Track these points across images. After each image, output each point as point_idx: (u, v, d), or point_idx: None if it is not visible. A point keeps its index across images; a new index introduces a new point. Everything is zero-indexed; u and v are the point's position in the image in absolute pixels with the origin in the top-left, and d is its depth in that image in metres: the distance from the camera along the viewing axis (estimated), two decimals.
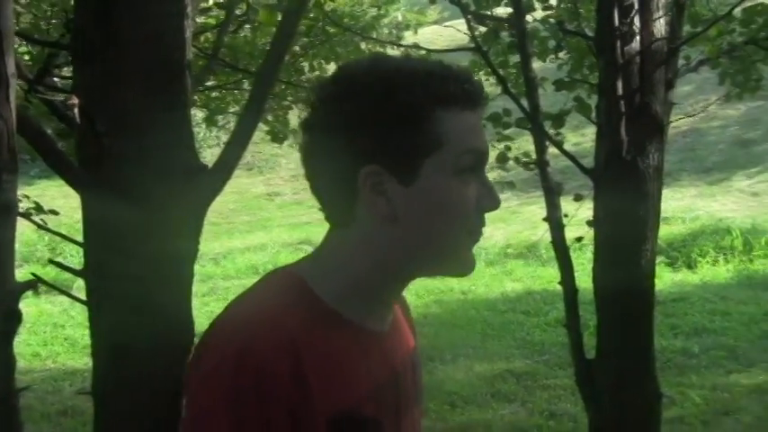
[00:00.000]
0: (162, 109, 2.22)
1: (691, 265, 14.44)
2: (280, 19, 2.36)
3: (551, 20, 5.93)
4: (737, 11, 5.03)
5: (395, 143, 1.37)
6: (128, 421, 2.26)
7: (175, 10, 2.24)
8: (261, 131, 9.28)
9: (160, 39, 2.22)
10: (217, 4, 5.24)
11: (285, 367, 1.29)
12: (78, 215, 2.46)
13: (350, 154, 1.38)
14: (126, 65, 2.18)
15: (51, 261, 2.61)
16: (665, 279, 13.09)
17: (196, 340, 2.55)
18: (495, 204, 1.44)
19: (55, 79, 4.46)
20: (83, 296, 2.49)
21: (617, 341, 4.20)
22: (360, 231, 1.42)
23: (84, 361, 10.15)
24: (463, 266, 1.47)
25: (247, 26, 6.96)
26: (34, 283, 2.57)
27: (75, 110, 2.13)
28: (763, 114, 23.85)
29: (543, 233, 4.56)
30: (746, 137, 23.98)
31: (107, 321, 2.28)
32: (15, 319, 2.28)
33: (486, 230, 1.47)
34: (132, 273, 2.19)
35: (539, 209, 12.92)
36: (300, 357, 1.31)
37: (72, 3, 5.05)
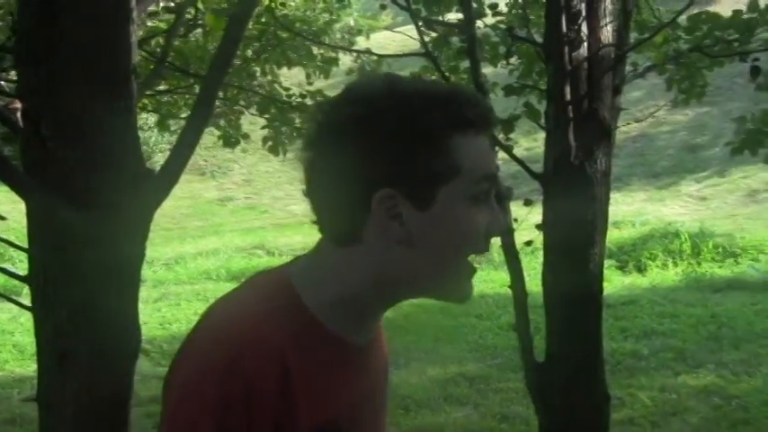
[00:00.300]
0: (107, 113, 2.19)
1: (640, 269, 14.57)
2: (227, 24, 2.35)
3: (501, 26, 5.97)
4: (682, 18, 5.08)
5: (413, 169, 1.36)
6: (72, 428, 2.22)
7: (120, 14, 2.21)
8: (213, 136, 9.25)
9: (105, 43, 2.20)
10: (166, 9, 5.20)
11: (273, 380, 1.29)
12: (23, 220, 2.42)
13: (364, 177, 1.36)
14: (70, 69, 2.15)
15: None
16: (616, 282, 13.20)
17: (148, 346, 2.53)
18: (503, 230, 1.50)
19: (2, 83, 4.40)
20: (28, 303, 2.46)
21: (566, 344, 4.24)
22: (365, 251, 1.39)
23: (33, 368, 9.91)
24: (462, 293, 1.46)
25: (198, 30, 6.93)
26: None
27: (18, 114, 2.10)
28: (711, 120, 24.13)
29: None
30: (694, 142, 24.26)
31: (52, 327, 2.24)
32: None
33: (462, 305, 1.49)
34: (77, 278, 2.17)
35: None
36: (288, 371, 1.30)
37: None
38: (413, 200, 1.36)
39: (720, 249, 15.10)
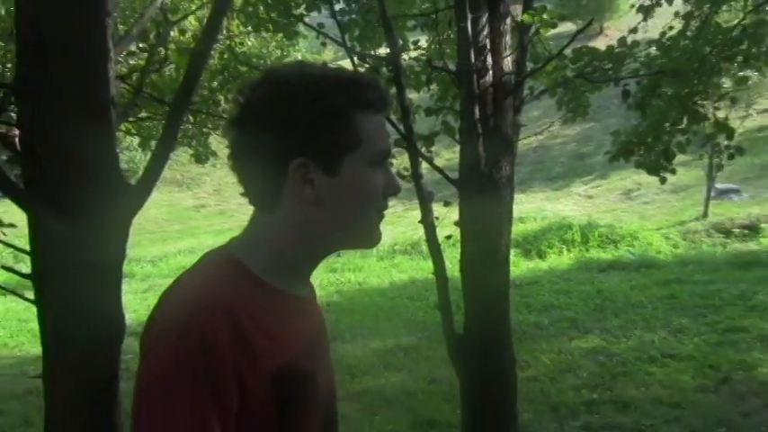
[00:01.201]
0: (91, 137, 2.14)
1: (541, 255, 14.71)
2: (189, 59, 2.30)
3: (422, 58, 5.97)
4: (568, 51, 5.12)
5: (322, 140, 1.35)
6: (72, 399, 2.17)
7: (101, 54, 2.16)
8: (187, 153, 9.15)
9: (88, 80, 2.15)
10: (140, 49, 5.12)
11: (225, 331, 1.24)
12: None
13: (281, 149, 1.35)
14: (59, 102, 2.10)
15: (4, 267, 2.50)
16: (522, 267, 13.32)
17: (139, 329, 2.48)
18: (397, 190, 1.44)
19: (12, 115, 4.29)
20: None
21: (480, 319, 4.24)
22: (286, 214, 1.38)
23: None
24: (372, 240, 1.46)
25: (171, 66, 6.84)
26: None
27: (16, 140, 2.05)
28: (594, 133, 24.46)
29: (423, 233, 4.58)
30: (582, 151, 24.58)
31: (51, 318, 2.19)
32: None
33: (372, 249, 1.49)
34: (69, 276, 2.11)
35: (419, 214, 13.02)
36: (239, 321, 1.27)
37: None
38: (323, 167, 1.36)
39: (604, 238, 15.32)
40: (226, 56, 7.10)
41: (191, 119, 8.00)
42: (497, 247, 4.22)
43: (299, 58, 11.78)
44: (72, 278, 2.11)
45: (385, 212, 1.46)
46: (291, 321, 1.40)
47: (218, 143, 8.98)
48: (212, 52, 6.02)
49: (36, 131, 2.11)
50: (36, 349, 10.06)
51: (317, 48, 14.81)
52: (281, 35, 8.64)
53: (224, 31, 7.89)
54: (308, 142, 1.34)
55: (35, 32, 2.08)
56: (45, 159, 2.11)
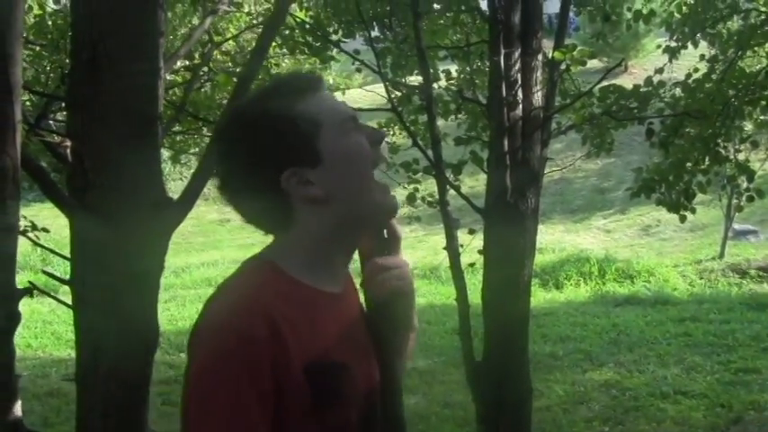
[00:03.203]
0: (137, 151, 2.18)
1: (558, 286, 14.63)
2: (235, 81, 2.35)
3: (453, 88, 6.01)
4: (596, 88, 5.14)
5: (291, 145, 1.39)
6: (102, 404, 2.20)
7: (150, 70, 2.21)
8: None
9: (137, 94, 2.19)
10: (185, 67, 5.20)
11: (263, 328, 1.30)
12: (65, 232, 2.40)
13: (266, 174, 1.39)
14: (109, 115, 2.15)
15: (44, 272, 2.55)
16: (539, 297, 13.25)
17: (159, 339, 2.51)
18: (380, 134, 1.47)
19: (50, 122, 4.37)
20: (68, 301, 2.43)
21: (500, 347, 4.24)
22: (304, 224, 1.42)
23: (67, 352, 9.98)
24: (388, 207, 1.48)
25: (207, 84, 6.92)
26: (31, 290, 2.51)
27: (68, 150, 2.09)
28: (615, 168, 24.36)
29: (443, 258, 4.58)
30: (602, 186, 24.48)
31: (88, 323, 2.22)
32: (16, 319, 2.23)
33: (392, 219, 1.50)
34: (109, 284, 2.15)
35: (440, 239, 12.98)
36: (274, 319, 1.31)
37: (67, 61, 5.00)
38: (306, 163, 1.39)
39: (621, 272, 15.22)
40: (260, 76, 7.16)
41: None
42: (520, 276, 4.23)
43: (330, 81, 11.85)
44: (110, 286, 2.15)
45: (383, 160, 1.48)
46: (324, 317, 1.43)
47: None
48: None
49: (85, 143, 2.15)
50: (58, 351, 10.15)
51: (347, 71, 14.92)
52: (314, 59, 8.75)
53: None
54: (283, 153, 1.39)
55: (90, 47, 2.13)
56: (92, 170, 2.14)
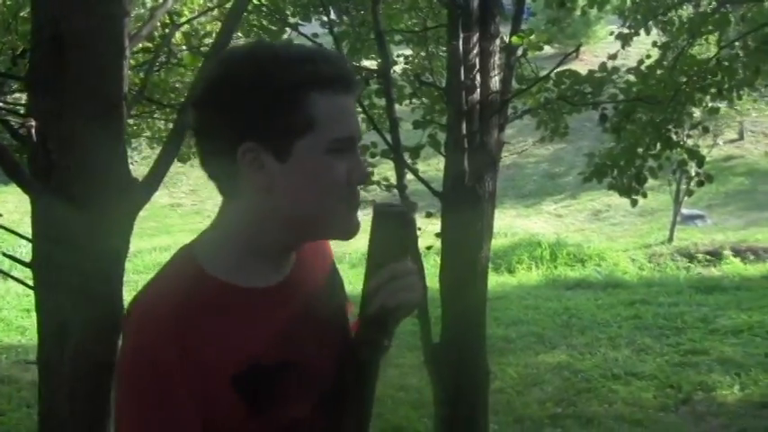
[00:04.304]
0: (102, 132, 2.17)
1: (510, 270, 14.81)
2: (203, 61, 2.35)
3: (409, 72, 6.04)
4: (552, 74, 5.21)
5: (269, 122, 1.25)
6: (68, 386, 2.19)
7: (116, 51, 2.20)
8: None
9: (102, 74, 2.18)
10: (143, 49, 5.14)
11: (170, 351, 1.22)
12: (14, 216, 2.38)
13: (230, 133, 1.26)
14: (73, 96, 2.13)
15: (5, 254, 2.52)
16: (491, 281, 13.16)
17: None
18: (363, 177, 1.32)
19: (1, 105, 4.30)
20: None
21: (458, 329, 4.29)
22: (245, 200, 1.30)
23: (17, 339, 9.86)
24: (344, 231, 1.34)
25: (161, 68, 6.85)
26: None
27: (33, 130, 2.07)
28: (566, 154, 24.67)
29: None
30: (553, 171, 24.78)
31: (52, 304, 2.21)
32: None
33: (350, 240, 1.35)
34: (73, 265, 2.14)
35: None
36: (185, 340, 1.23)
37: (18, 42, 4.91)
38: (273, 152, 1.26)
39: (572, 256, 15.47)
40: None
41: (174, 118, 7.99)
42: (477, 259, 4.28)
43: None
44: (76, 267, 2.14)
45: (358, 201, 1.34)
46: (257, 317, 1.32)
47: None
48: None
49: (48, 123, 2.14)
50: (8, 338, 10.03)
51: None
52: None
53: (213, 35, 7.90)
54: (256, 125, 1.25)
55: (53, 26, 2.11)
56: (55, 151, 2.13)
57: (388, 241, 1.35)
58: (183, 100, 7.41)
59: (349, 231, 1.34)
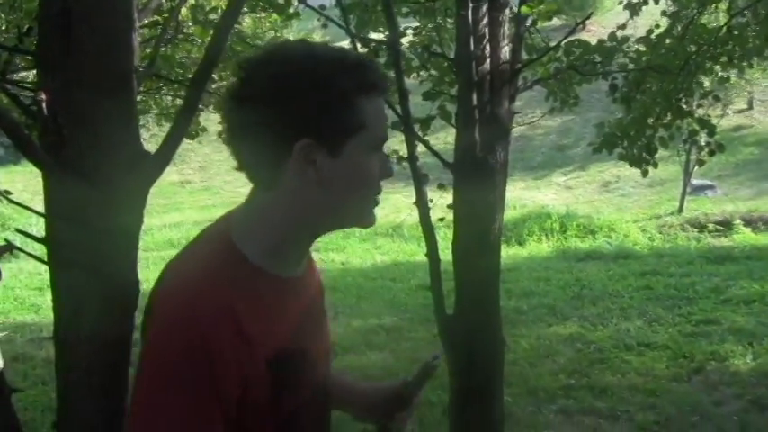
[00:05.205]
0: (112, 106, 2.15)
1: (521, 243, 14.83)
2: (212, 33, 2.32)
3: (417, 44, 5.98)
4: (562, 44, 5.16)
5: (329, 123, 1.34)
6: (84, 364, 2.19)
7: (125, 25, 2.17)
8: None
9: (112, 49, 2.15)
10: (151, 24, 5.10)
11: (226, 326, 1.27)
12: (24, 195, 2.36)
13: (285, 128, 1.33)
14: (83, 70, 2.10)
15: (18, 230, 2.51)
16: (502, 253, 13.35)
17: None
18: (390, 172, 1.45)
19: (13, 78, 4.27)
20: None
21: (471, 300, 4.27)
22: (285, 192, 1.37)
23: (30, 317, 9.91)
24: (368, 221, 1.46)
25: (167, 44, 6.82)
26: (10, 248, 2.47)
27: (43, 104, 2.05)
28: (574, 126, 24.61)
29: (406, 216, 4.58)
30: (562, 143, 24.71)
31: (66, 282, 2.20)
32: None
33: (368, 228, 1.49)
34: (86, 242, 2.12)
35: (402, 197, 13.05)
36: (238, 316, 1.29)
37: (24, 20, 4.88)
38: (327, 148, 1.35)
39: (582, 228, 15.48)
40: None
41: (182, 94, 7.97)
42: (490, 230, 4.26)
43: (291, 39, 11.77)
44: (89, 243, 2.13)
45: (379, 196, 1.46)
46: (285, 304, 1.42)
47: (206, 120, 8.97)
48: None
49: (58, 99, 2.12)
50: (22, 316, 10.11)
51: (307, 30, 14.81)
52: (275, 15, 8.64)
53: (218, 10, 7.86)
54: (315, 124, 1.33)
55: (61, 1, 2.09)
56: (66, 126, 2.11)
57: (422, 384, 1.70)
58: (190, 75, 7.42)
59: (371, 221, 1.47)
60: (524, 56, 4.96)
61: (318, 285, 1.63)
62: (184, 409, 1.25)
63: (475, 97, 4.13)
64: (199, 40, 6.26)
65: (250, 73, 1.34)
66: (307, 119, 1.33)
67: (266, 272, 1.39)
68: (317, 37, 16.55)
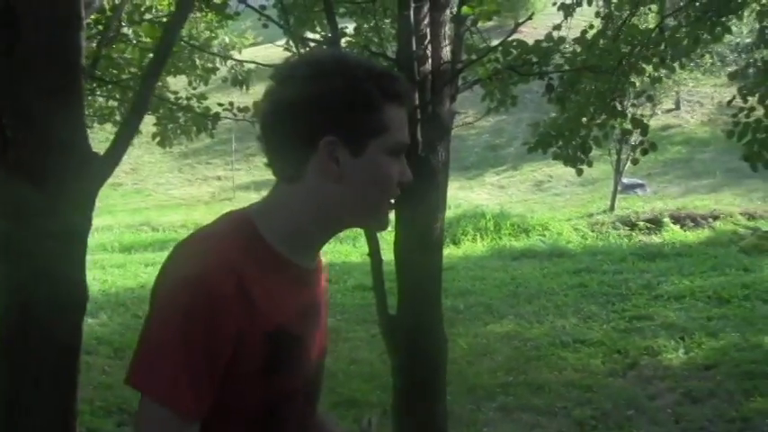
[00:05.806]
0: (60, 106, 2.12)
1: (456, 242, 14.91)
2: (162, 32, 2.30)
3: (356, 44, 6.00)
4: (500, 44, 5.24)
5: (355, 123, 1.43)
6: (32, 367, 2.15)
7: (72, 20, 2.14)
8: (105, 132, 8.94)
9: (58, 45, 2.12)
10: (95, 20, 5.00)
11: (231, 287, 1.34)
12: None
13: (314, 124, 1.42)
14: (28, 67, 2.07)
15: None
16: None
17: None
18: (409, 180, 1.52)
19: None
20: None
21: (414, 299, 4.31)
22: (307, 187, 1.46)
23: None
24: (382, 223, 1.55)
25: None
26: None
27: None
28: (507, 126, 24.88)
29: None
30: (495, 142, 24.98)
31: (15, 283, 2.15)
32: None
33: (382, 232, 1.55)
34: (35, 243, 2.09)
35: None
36: (243, 280, 1.36)
37: None
38: (350, 147, 1.43)
39: (516, 227, 15.66)
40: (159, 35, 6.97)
41: (117, 96, 7.85)
42: (432, 229, 4.31)
43: (226, 39, 11.67)
44: (37, 245, 2.09)
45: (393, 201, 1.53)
46: (292, 289, 1.49)
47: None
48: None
49: (2, 97, 2.08)
50: None
51: (238, 31, 14.70)
52: (210, 15, 8.57)
53: (153, 11, 7.75)
54: (342, 122, 1.42)
55: None
56: (11, 126, 2.08)
57: None
58: (125, 76, 7.31)
59: (385, 224, 1.57)
60: (464, 56, 5.02)
61: (324, 285, 1.67)
62: (178, 367, 1.32)
63: (417, 97, 4.17)
64: (134, 41, 6.16)
65: (285, 75, 1.47)
66: (334, 117, 1.42)
67: (279, 254, 1.46)
68: (250, 37, 16.40)
